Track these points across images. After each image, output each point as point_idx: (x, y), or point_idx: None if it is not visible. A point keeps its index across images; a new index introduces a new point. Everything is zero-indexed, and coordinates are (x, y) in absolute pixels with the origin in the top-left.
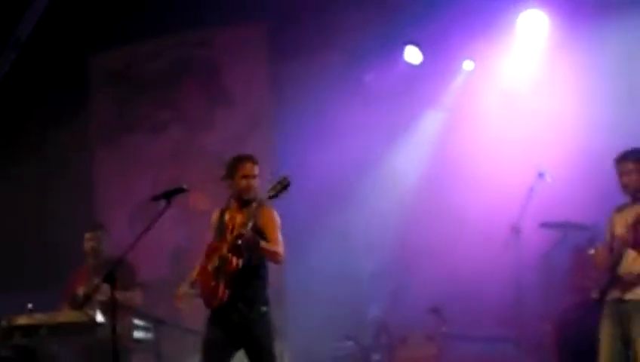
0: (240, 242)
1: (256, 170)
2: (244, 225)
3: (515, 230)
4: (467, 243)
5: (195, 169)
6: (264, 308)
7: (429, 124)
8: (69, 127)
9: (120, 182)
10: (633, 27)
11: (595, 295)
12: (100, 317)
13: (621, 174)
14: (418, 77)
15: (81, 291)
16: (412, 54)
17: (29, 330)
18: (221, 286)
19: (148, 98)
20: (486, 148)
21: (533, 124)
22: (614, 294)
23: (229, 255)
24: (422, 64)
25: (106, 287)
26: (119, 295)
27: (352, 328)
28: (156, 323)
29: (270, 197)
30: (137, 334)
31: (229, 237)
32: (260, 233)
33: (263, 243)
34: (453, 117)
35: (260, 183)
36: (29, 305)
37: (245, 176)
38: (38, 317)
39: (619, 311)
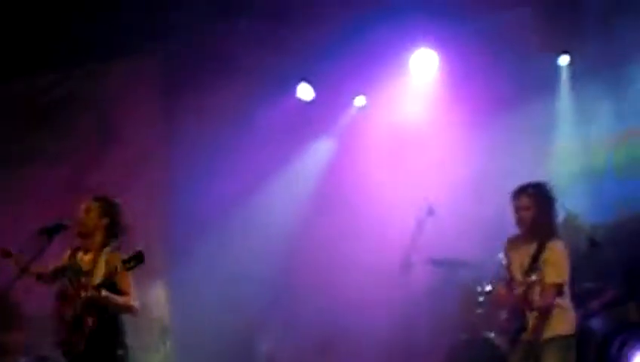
0: (93, 302)
1: (88, 206)
2: (92, 275)
3: (405, 265)
4: (358, 278)
5: None
6: (120, 351)
7: (320, 159)
8: None
9: (11, 216)
10: (519, 66)
11: (506, 341)
12: None
13: (516, 209)
14: (310, 113)
15: None
16: (304, 91)
17: None
18: (80, 340)
19: (41, 131)
20: (377, 182)
21: (423, 160)
22: (525, 336)
23: (83, 313)
24: (314, 100)
25: None
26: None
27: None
28: (38, 360)
29: (126, 267)
30: None
31: (82, 293)
32: (112, 283)
33: (114, 300)
34: (345, 151)
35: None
36: None
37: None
38: None
39: (531, 348)
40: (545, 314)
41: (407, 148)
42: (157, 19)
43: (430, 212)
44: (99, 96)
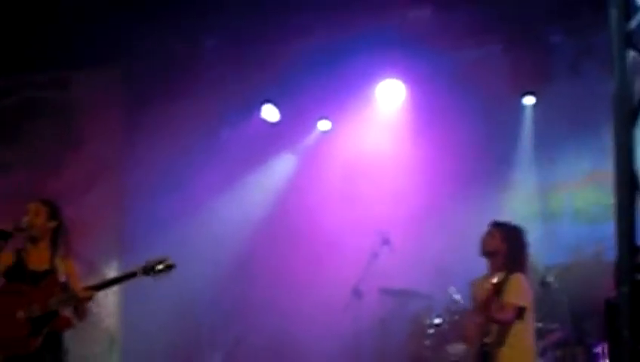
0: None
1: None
2: (55, 274)
3: (356, 293)
4: (309, 298)
5: None
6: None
7: (280, 178)
8: None
9: None
10: (484, 103)
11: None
12: None
13: (484, 235)
14: (273, 135)
15: None
16: (269, 112)
17: None
18: (38, 338)
19: None
20: (334, 207)
21: (381, 188)
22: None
23: (65, 312)
24: (278, 122)
25: None
26: None
27: None
28: None
29: (144, 273)
30: None
31: (55, 291)
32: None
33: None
34: (305, 174)
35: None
36: None
37: None
38: None
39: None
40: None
41: (367, 176)
42: (122, 31)
43: (385, 242)
44: (59, 104)
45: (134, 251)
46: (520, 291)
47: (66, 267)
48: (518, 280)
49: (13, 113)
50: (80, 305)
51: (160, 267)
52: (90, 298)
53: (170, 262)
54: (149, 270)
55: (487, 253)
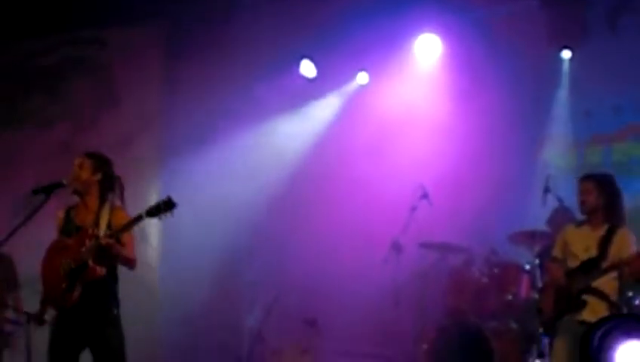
0: (103, 250)
1: (81, 162)
2: (97, 226)
3: (396, 247)
4: (348, 257)
5: None
6: (115, 310)
7: (314, 133)
8: None
9: (8, 177)
10: (521, 57)
11: (547, 315)
12: None
13: (580, 192)
14: (310, 89)
15: None
16: (307, 68)
17: None
18: (76, 290)
19: (37, 94)
20: (371, 162)
21: (419, 142)
22: (575, 315)
23: (90, 262)
24: (316, 77)
25: None
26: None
27: (228, 336)
28: (28, 316)
29: (149, 215)
30: (8, 328)
31: (87, 242)
32: (114, 236)
33: (120, 250)
34: (340, 127)
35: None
36: None
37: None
38: None
39: (579, 332)
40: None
41: (404, 129)
42: None
43: (423, 195)
44: (98, 62)
45: None
46: (630, 247)
47: (115, 219)
48: (623, 236)
49: (53, 71)
50: (108, 252)
51: (162, 207)
52: (111, 244)
53: (171, 201)
54: (152, 212)
55: (587, 212)
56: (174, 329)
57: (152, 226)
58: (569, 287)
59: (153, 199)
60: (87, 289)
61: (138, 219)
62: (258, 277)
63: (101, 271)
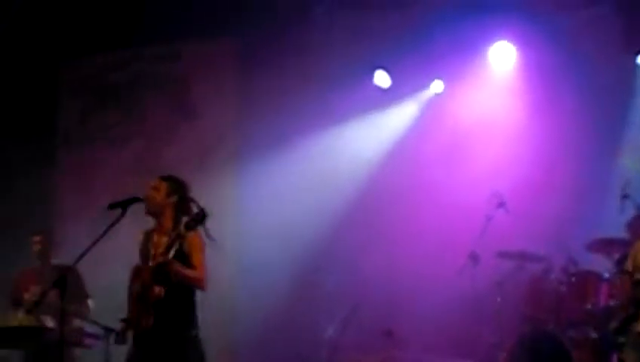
0: (161, 270)
1: (156, 184)
2: (167, 250)
3: (473, 256)
4: (423, 267)
5: None
6: (194, 332)
7: (388, 142)
8: (34, 135)
9: (82, 193)
10: (595, 63)
11: (614, 324)
12: (49, 323)
13: None
14: (385, 98)
15: (29, 296)
16: (381, 78)
17: None
18: (144, 313)
19: (113, 109)
20: (446, 171)
21: (494, 150)
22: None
23: (151, 283)
24: (391, 86)
25: (54, 293)
26: (67, 302)
27: (305, 347)
28: (106, 330)
29: (187, 228)
30: (87, 341)
31: (151, 262)
32: (184, 257)
33: (183, 270)
34: (415, 135)
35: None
36: None
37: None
38: None
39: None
40: None
41: (480, 137)
42: (232, 1)
43: (500, 204)
44: (172, 76)
45: (249, 216)
46: None
47: (189, 241)
48: None
49: (127, 87)
50: (167, 273)
51: (198, 218)
52: (164, 263)
53: (204, 211)
54: (190, 225)
55: None
56: (252, 342)
57: (228, 237)
58: (636, 297)
59: (230, 211)
60: (159, 311)
61: (178, 236)
62: (335, 288)
63: (160, 291)
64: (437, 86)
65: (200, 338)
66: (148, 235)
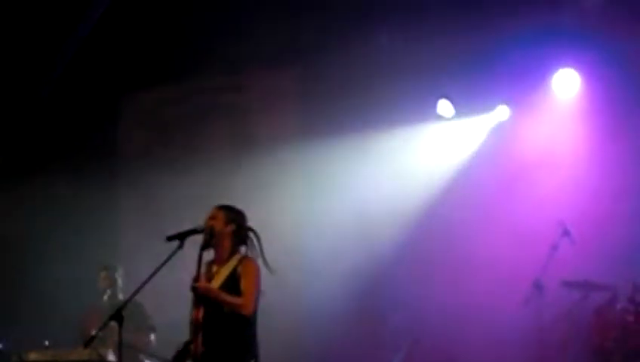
0: (202, 295)
1: (213, 213)
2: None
3: (537, 286)
4: (487, 297)
5: None
6: (251, 359)
7: (452, 169)
8: (97, 166)
9: (145, 225)
10: None
11: None
12: (111, 357)
13: None
14: (449, 125)
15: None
16: (445, 108)
17: None
18: (198, 339)
19: (175, 140)
20: (510, 199)
21: (559, 178)
22: None
23: (195, 307)
24: (454, 116)
25: (115, 326)
26: (129, 335)
27: None
28: None
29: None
30: None
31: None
32: (236, 283)
33: (220, 295)
34: (479, 164)
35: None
36: (46, 342)
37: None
38: (50, 354)
39: None
40: None
41: (544, 165)
42: (295, 32)
43: (565, 233)
44: (233, 108)
45: (314, 251)
46: None
47: (242, 269)
48: None
49: (188, 119)
50: (207, 298)
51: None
52: (199, 289)
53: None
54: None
55: None
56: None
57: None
58: None
59: (296, 239)
60: (213, 338)
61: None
62: (399, 323)
63: (198, 315)
64: (501, 113)
65: None
66: (208, 267)
